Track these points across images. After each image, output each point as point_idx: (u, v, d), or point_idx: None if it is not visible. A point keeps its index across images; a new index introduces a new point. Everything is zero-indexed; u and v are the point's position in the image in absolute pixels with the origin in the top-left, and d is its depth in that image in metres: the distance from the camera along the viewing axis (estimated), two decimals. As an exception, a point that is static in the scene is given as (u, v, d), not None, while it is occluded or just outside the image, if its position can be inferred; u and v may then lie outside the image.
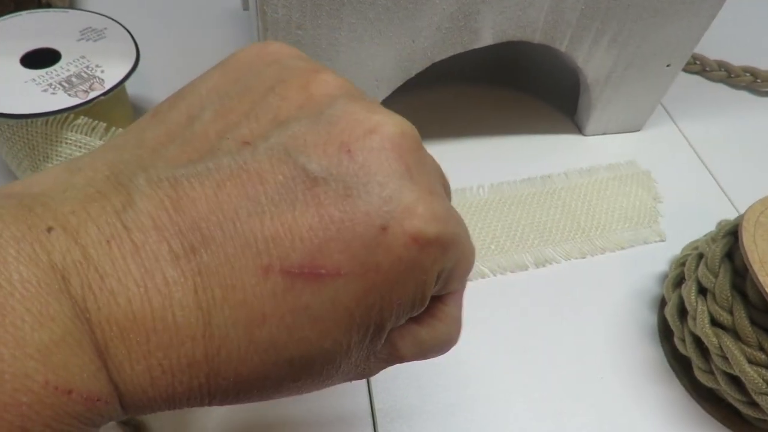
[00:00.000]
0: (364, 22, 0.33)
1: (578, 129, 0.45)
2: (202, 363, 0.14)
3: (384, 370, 0.18)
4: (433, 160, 0.18)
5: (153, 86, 0.44)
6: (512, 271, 0.36)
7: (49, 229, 0.13)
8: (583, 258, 0.37)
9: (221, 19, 0.51)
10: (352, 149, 0.15)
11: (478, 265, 0.36)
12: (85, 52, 0.34)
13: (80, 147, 0.30)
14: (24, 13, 0.36)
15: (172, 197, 0.14)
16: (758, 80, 0.50)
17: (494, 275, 0.36)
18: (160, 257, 0.13)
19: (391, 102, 0.42)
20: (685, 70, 0.51)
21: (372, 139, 0.15)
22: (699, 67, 0.51)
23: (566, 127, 0.46)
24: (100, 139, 0.30)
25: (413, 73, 0.36)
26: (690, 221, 0.39)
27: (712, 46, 0.51)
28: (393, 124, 0.15)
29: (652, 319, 0.35)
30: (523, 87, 0.48)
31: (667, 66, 0.41)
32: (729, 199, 0.42)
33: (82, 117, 0.31)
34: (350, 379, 0.18)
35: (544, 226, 0.38)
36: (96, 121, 0.31)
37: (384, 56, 0.35)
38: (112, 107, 0.36)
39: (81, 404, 0.13)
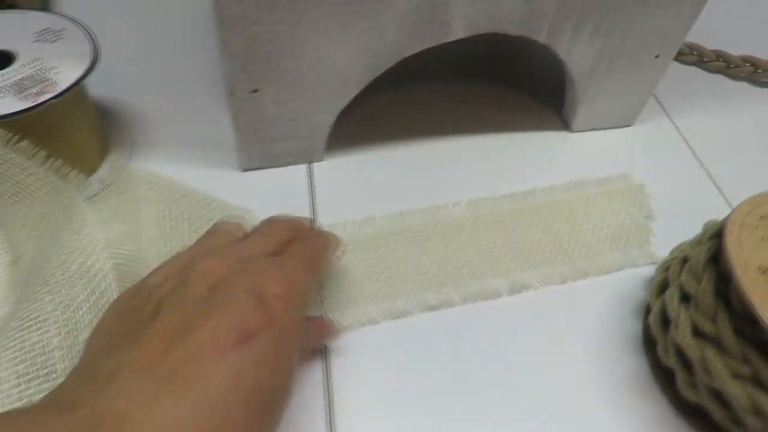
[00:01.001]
0: (327, 16, 0.31)
1: (566, 125, 0.43)
2: None
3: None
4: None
5: (121, 88, 0.42)
6: (485, 299, 0.33)
7: None
8: (563, 283, 0.34)
9: (193, 20, 0.49)
10: None
11: (448, 293, 0.33)
12: (41, 53, 0.33)
13: (23, 169, 0.29)
14: (-21, 14, 0.35)
15: None
16: (759, 70, 0.47)
17: (464, 303, 0.33)
18: None
19: (365, 102, 0.41)
20: (680, 60, 0.49)
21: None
22: (696, 57, 0.48)
23: (553, 123, 0.44)
24: (41, 166, 0.30)
25: (383, 69, 0.35)
26: (682, 222, 0.36)
27: (710, 35, 0.49)
28: None
29: (637, 327, 0.33)
30: (511, 82, 0.46)
31: (656, 57, 0.39)
32: (725, 199, 0.39)
33: (25, 141, 0.30)
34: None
35: (522, 247, 0.35)
36: (37, 148, 0.30)
37: (350, 52, 0.33)
38: (70, 111, 0.34)
39: None
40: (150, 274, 0.26)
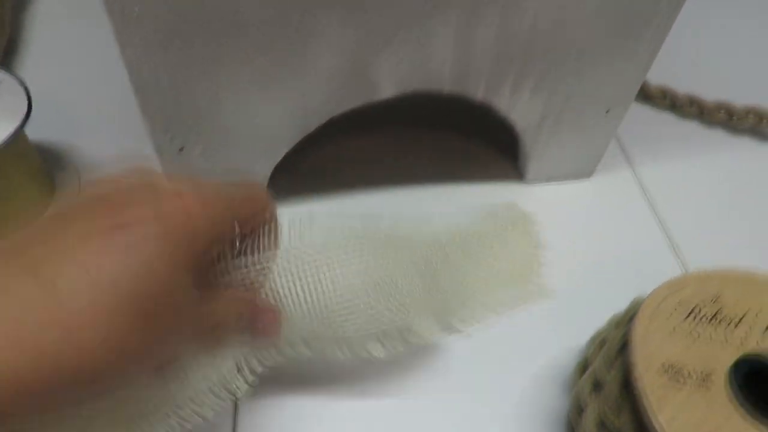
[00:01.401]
0: (245, 80, 0.31)
1: (521, 176, 0.42)
2: None
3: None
4: None
5: (65, 129, 0.43)
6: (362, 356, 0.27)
7: None
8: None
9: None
10: None
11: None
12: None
13: None
14: None
15: None
16: (734, 118, 0.45)
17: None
18: None
19: (312, 150, 0.40)
20: (652, 105, 0.47)
21: None
22: (669, 102, 0.46)
23: (510, 174, 0.42)
24: None
25: (312, 128, 0.34)
26: (630, 283, 0.34)
27: (683, 78, 0.46)
28: None
29: (564, 402, 0.31)
30: (464, 129, 0.45)
31: (607, 112, 0.37)
32: (680, 260, 0.37)
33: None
34: None
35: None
36: None
37: (275, 113, 0.33)
38: (12, 163, 0.35)
39: None
40: None
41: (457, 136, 0.44)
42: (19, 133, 0.34)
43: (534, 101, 0.35)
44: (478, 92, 0.34)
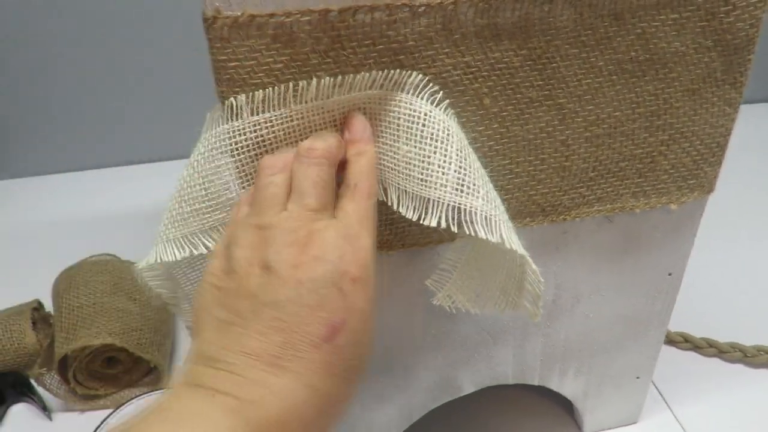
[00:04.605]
0: (370, 397, 0.44)
1: (578, 427, 0.52)
2: None
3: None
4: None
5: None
6: None
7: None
8: None
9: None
10: None
11: None
12: None
13: None
14: None
15: None
16: (748, 356, 0.55)
17: None
18: None
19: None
20: (679, 347, 0.58)
21: None
22: (690, 345, 0.57)
23: (569, 425, 0.52)
24: None
25: (415, 419, 0.46)
26: None
27: (697, 324, 0.58)
28: None
29: None
30: (533, 387, 0.56)
31: (637, 378, 0.48)
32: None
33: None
34: None
35: None
36: None
37: (388, 413, 0.45)
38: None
39: None
40: (231, 245, 0.27)
41: (527, 394, 0.56)
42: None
43: (577, 381, 0.47)
44: (534, 380, 0.46)
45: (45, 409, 0.55)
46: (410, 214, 0.29)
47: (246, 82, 0.28)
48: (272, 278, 0.26)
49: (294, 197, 0.27)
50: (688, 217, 0.39)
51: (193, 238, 0.31)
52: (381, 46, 0.29)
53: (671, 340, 0.57)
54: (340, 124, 0.30)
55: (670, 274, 0.42)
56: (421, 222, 0.29)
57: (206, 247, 0.31)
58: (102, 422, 0.51)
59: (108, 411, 0.53)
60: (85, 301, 0.59)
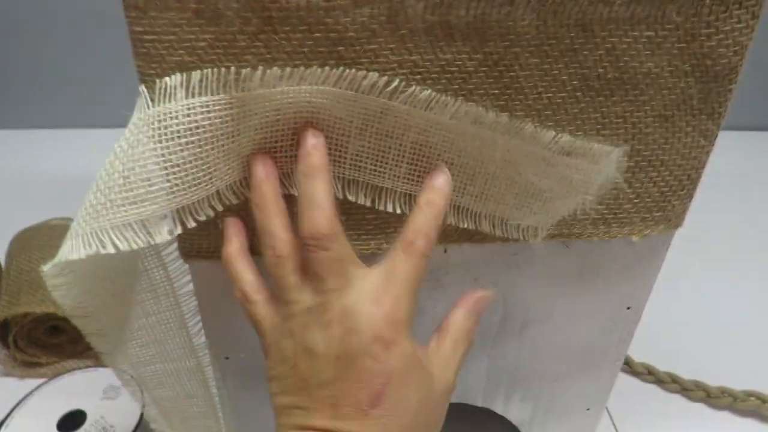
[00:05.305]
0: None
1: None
2: None
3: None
4: None
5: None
6: None
7: None
8: None
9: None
10: None
11: None
12: (104, 412, 0.46)
13: None
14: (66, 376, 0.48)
15: None
16: (711, 396, 0.52)
17: None
18: None
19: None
20: (641, 379, 0.55)
21: None
22: (653, 378, 0.55)
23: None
24: None
25: None
26: None
27: (662, 356, 0.55)
28: None
29: None
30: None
31: (587, 410, 0.46)
32: None
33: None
34: None
35: None
36: None
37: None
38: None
39: None
40: (279, 340, 0.29)
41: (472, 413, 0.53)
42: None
43: (523, 406, 0.45)
44: (477, 402, 0.44)
45: (-20, 371, 0.54)
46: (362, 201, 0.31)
47: (164, 59, 0.26)
48: (314, 361, 0.28)
49: (314, 283, 0.28)
50: (651, 250, 0.36)
51: (103, 235, 0.27)
52: (318, 34, 0.26)
53: (634, 371, 0.55)
54: (290, 119, 0.28)
55: (628, 308, 0.39)
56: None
57: (116, 247, 0.27)
58: (28, 394, 0.49)
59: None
60: (35, 265, 0.57)
